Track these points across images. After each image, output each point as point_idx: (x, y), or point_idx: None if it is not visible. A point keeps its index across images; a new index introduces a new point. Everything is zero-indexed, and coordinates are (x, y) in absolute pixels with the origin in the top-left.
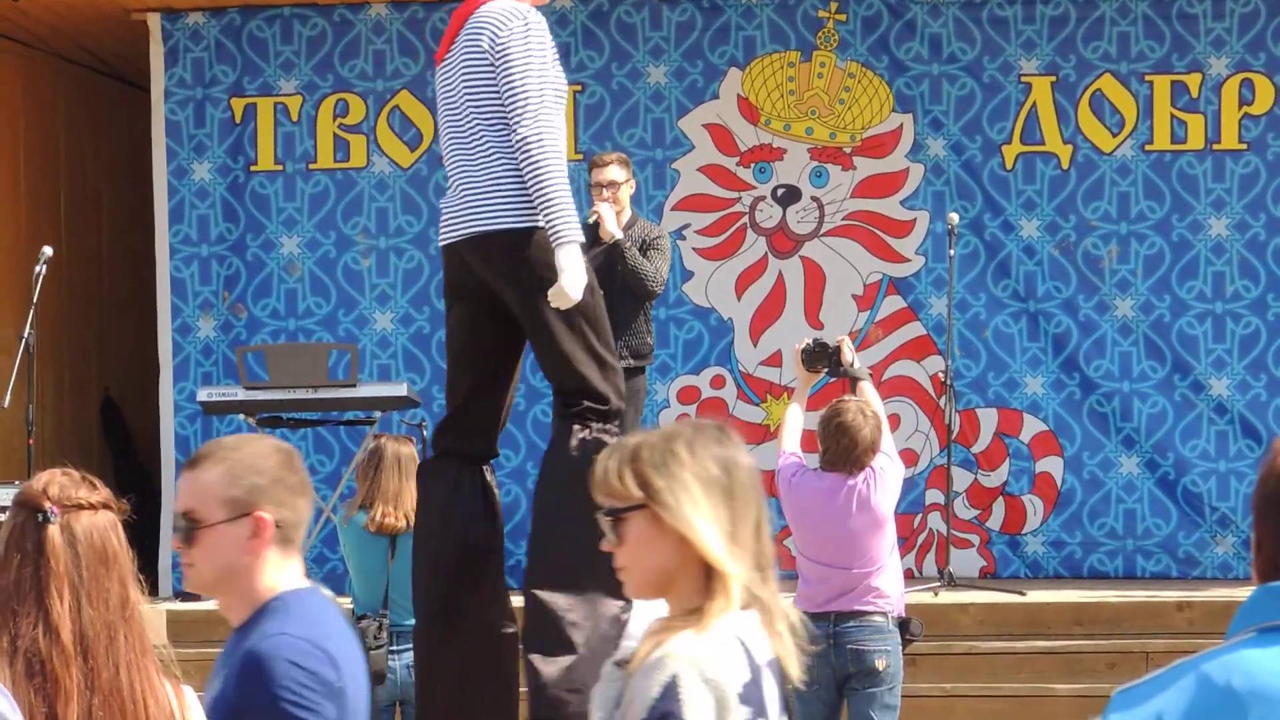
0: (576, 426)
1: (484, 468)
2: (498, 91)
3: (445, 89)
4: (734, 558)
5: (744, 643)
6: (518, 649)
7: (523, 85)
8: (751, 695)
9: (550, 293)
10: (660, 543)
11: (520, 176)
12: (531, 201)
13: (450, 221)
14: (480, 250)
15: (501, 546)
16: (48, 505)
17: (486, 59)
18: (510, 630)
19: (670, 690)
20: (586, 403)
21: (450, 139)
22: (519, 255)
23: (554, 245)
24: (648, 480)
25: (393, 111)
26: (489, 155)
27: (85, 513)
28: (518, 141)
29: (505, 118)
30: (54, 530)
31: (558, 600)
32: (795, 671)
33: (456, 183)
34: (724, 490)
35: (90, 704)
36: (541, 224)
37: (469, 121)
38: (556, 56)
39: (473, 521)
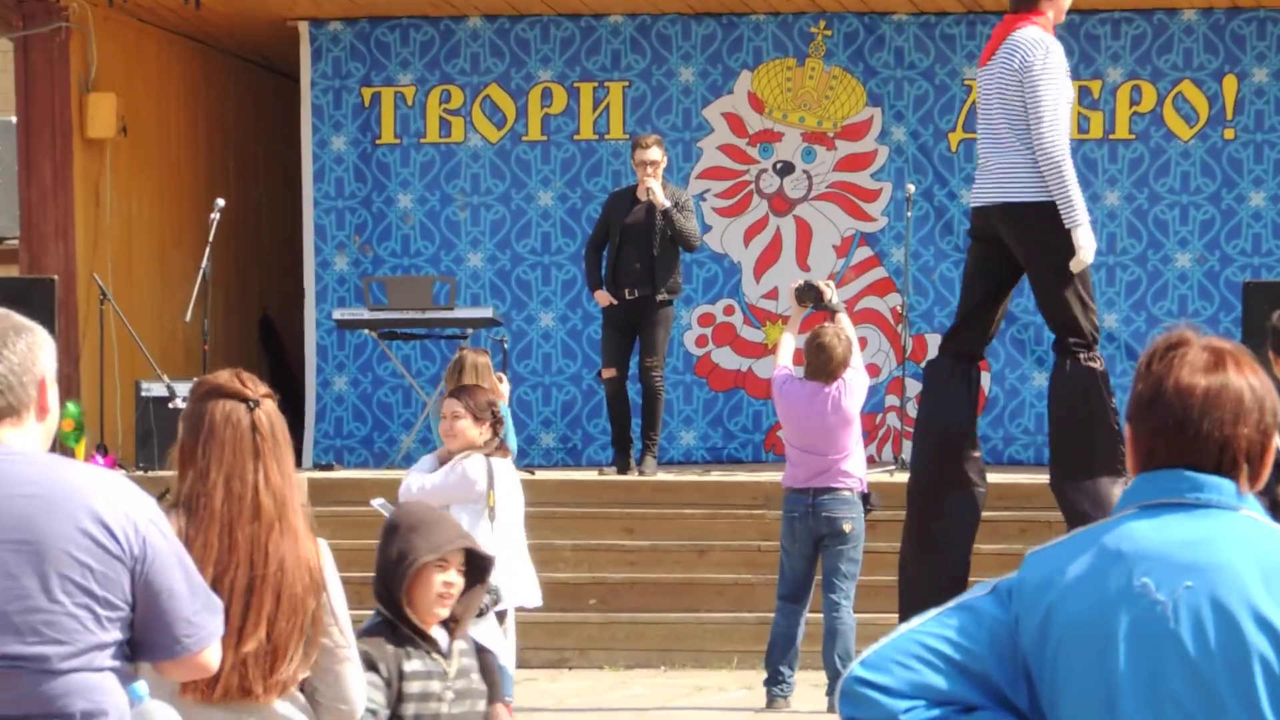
0: (1068, 359)
1: (974, 366)
2: (1021, 99)
3: (984, 87)
4: None
5: None
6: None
7: (1041, 101)
8: None
9: (1071, 264)
10: None
11: (1030, 162)
12: (1041, 184)
13: (982, 189)
14: (1003, 214)
15: (976, 427)
16: (250, 395)
17: (1015, 75)
18: (982, 490)
19: None
20: (1072, 339)
21: (983, 126)
22: (1029, 223)
23: (1069, 226)
24: None
25: (484, 100)
26: (1009, 145)
27: (267, 401)
28: (1036, 144)
29: (1025, 119)
30: (260, 414)
31: (1078, 488)
32: None
33: (985, 161)
34: None
35: (279, 543)
36: (1046, 200)
37: (996, 116)
38: (1067, 70)
39: (960, 406)
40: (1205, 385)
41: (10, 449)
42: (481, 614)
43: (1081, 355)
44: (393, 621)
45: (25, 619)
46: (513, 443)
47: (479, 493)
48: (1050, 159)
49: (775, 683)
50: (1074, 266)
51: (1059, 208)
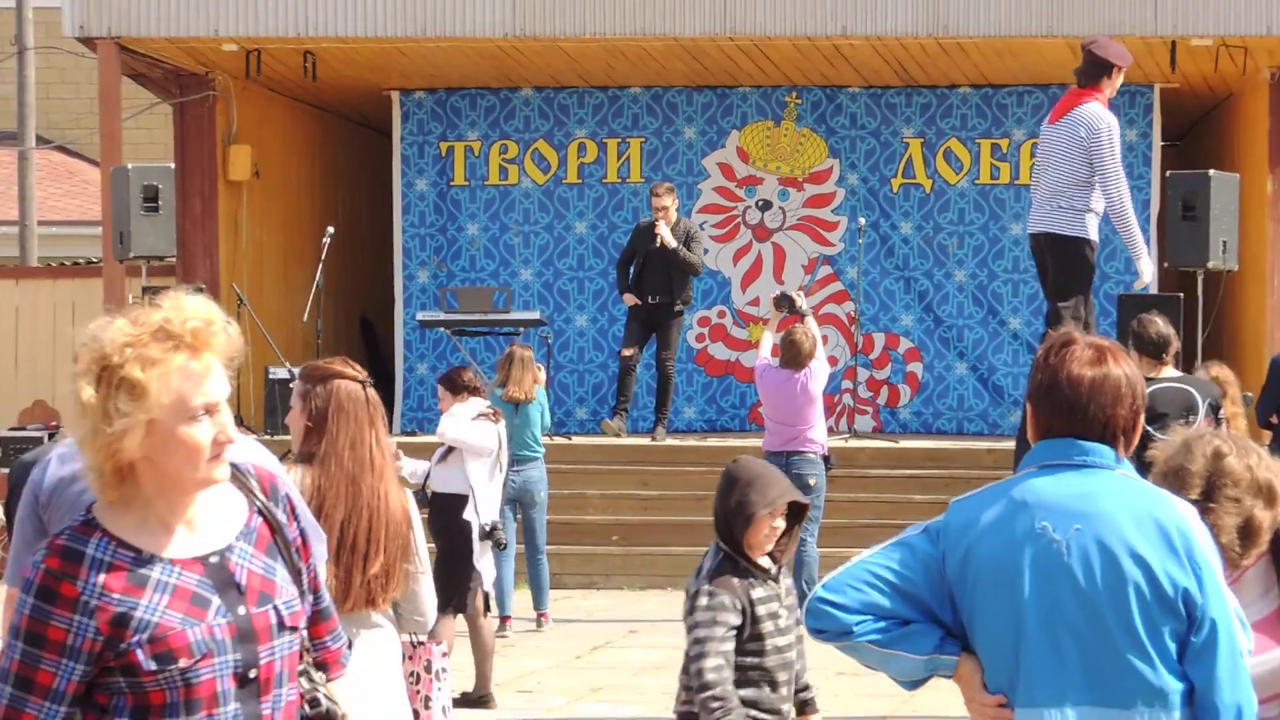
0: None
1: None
2: (1082, 161)
3: (1049, 141)
4: None
5: None
6: None
7: (1108, 168)
8: None
9: (1144, 279)
10: None
11: (1072, 207)
12: (1077, 224)
13: (1037, 220)
14: (1048, 241)
15: None
16: (361, 377)
17: (1081, 143)
18: None
19: None
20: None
21: (1043, 171)
22: (1064, 249)
23: (1135, 257)
24: None
25: (534, 151)
26: (1060, 193)
27: (369, 385)
28: (1108, 200)
29: (1080, 176)
30: (370, 391)
31: None
32: None
33: (1040, 199)
34: None
35: (388, 490)
36: (1079, 235)
37: (1056, 167)
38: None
39: None
40: (1091, 375)
41: None
42: (504, 547)
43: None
44: (734, 557)
45: None
46: (547, 419)
47: (490, 448)
48: (1120, 213)
49: None
50: (1144, 280)
51: (1128, 245)
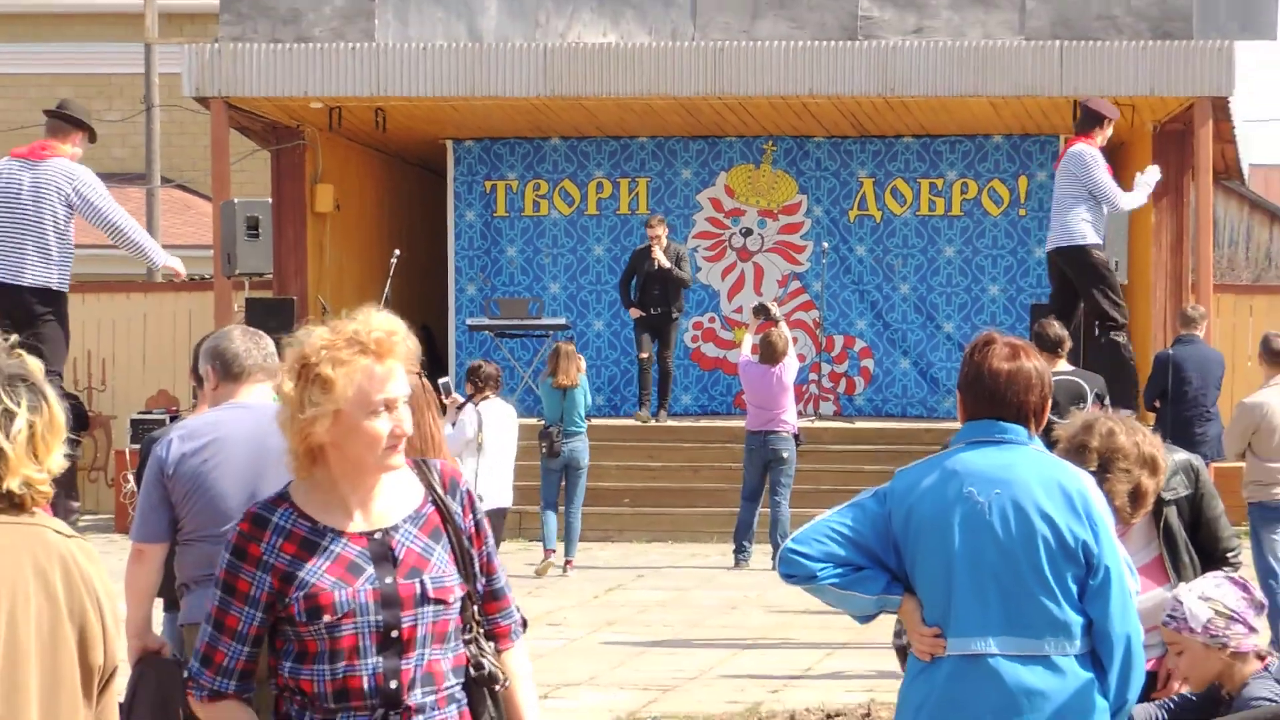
0: (1103, 335)
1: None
2: (1078, 189)
3: (1058, 177)
4: None
5: None
6: None
7: (1101, 187)
8: None
9: (1124, 199)
10: None
11: (1076, 224)
12: (1080, 237)
13: (1053, 237)
14: (1061, 252)
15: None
16: (417, 370)
17: (1075, 176)
18: None
19: None
20: (1105, 322)
21: (1056, 199)
22: (1076, 257)
23: (1133, 202)
24: None
25: (561, 189)
26: (1066, 212)
27: (424, 376)
28: (1109, 205)
29: (1079, 201)
30: (425, 381)
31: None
32: None
33: (1054, 222)
34: None
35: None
36: (1082, 243)
37: (1062, 196)
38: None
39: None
40: (1007, 369)
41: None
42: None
43: (1111, 332)
44: None
45: None
46: (589, 401)
47: (469, 439)
48: (1125, 206)
49: (739, 552)
50: (1126, 202)
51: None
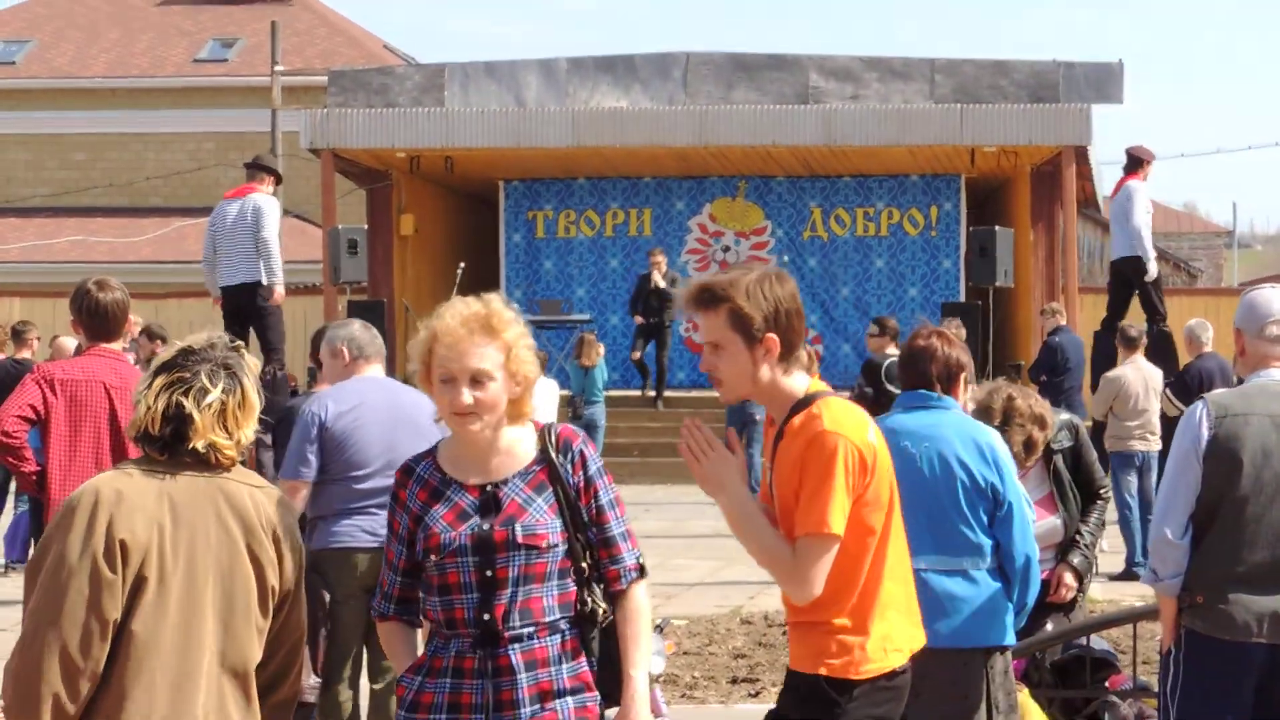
0: (1153, 325)
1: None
2: (1128, 215)
3: (1115, 203)
4: None
5: None
6: None
7: (1136, 213)
8: None
9: (1150, 271)
10: None
11: (1131, 240)
12: (1134, 249)
13: (1115, 248)
14: (1123, 261)
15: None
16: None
17: (1126, 206)
18: None
19: None
20: (1155, 315)
21: (1114, 225)
22: (1131, 264)
23: (1146, 262)
24: None
25: (585, 217)
26: (1123, 231)
27: None
28: (1136, 236)
29: (1129, 222)
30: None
31: None
32: None
33: (1117, 240)
34: None
35: None
36: (1135, 255)
37: (1123, 224)
38: (1150, 204)
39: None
40: (919, 345)
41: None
42: None
43: (1159, 323)
44: None
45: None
46: (605, 377)
47: None
48: (1144, 242)
49: None
50: (1152, 275)
51: (1144, 253)
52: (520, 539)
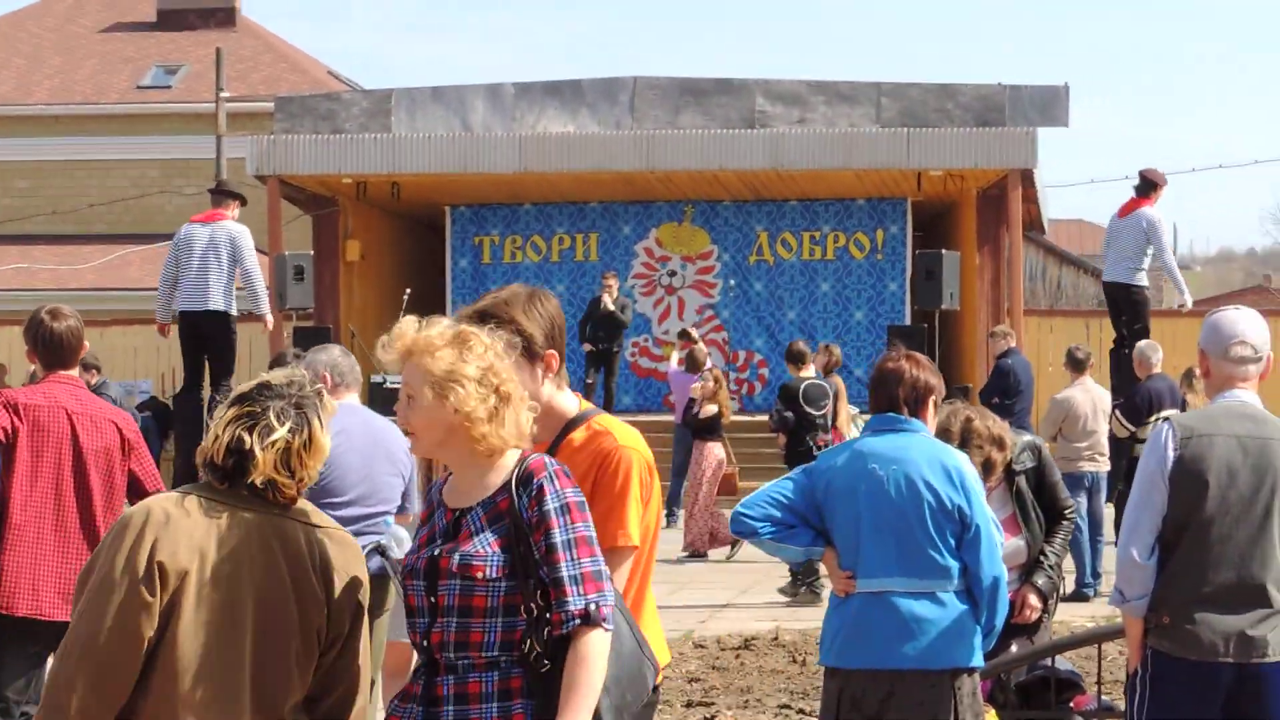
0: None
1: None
2: (1141, 242)
3: (1119, 227)
4: None
5: None
6: None
7: (1162, 243)
8: None
9: (1185, 303)
10: None
11: (1129, 264)
12: (1130, 275)
13: (1109, 272)
14: (1115, 287)
15: None
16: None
17: (1142, 230)
18: None
19: None
20: (1141, 335)
21: (1112, 246)
22: (1125, 291)
23: (1180, 293)
24: None
25: (531, 242)
26: (1128, 258)
27: None
28: (1164, 263)
29: (1140, 249)
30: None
31: None
32: None
33: (1112, 261)
34: None
35: None
36: (1139, 284)
37: (1124, 242)
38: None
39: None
40: (887, 369)
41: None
42: None
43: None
44: None
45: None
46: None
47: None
48: (1170, 270)
49: (670, 515)
50: (1188, 305)
51: (1176, 285)
52: (455, 568)
